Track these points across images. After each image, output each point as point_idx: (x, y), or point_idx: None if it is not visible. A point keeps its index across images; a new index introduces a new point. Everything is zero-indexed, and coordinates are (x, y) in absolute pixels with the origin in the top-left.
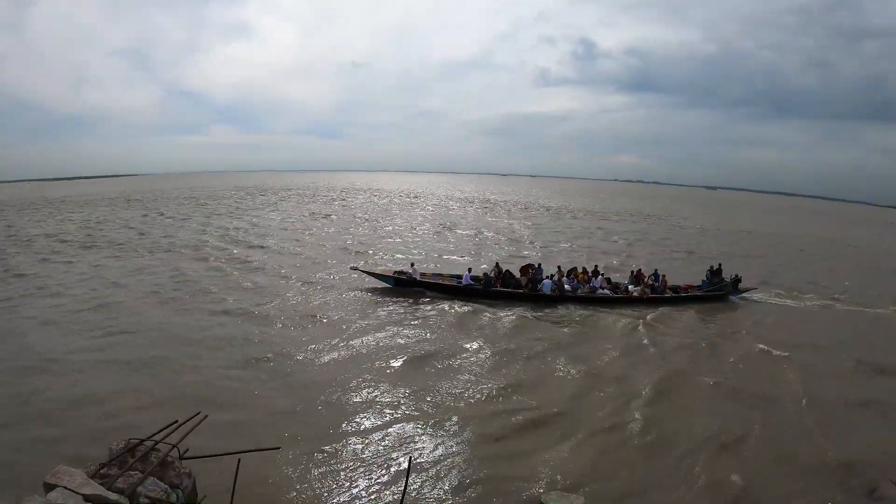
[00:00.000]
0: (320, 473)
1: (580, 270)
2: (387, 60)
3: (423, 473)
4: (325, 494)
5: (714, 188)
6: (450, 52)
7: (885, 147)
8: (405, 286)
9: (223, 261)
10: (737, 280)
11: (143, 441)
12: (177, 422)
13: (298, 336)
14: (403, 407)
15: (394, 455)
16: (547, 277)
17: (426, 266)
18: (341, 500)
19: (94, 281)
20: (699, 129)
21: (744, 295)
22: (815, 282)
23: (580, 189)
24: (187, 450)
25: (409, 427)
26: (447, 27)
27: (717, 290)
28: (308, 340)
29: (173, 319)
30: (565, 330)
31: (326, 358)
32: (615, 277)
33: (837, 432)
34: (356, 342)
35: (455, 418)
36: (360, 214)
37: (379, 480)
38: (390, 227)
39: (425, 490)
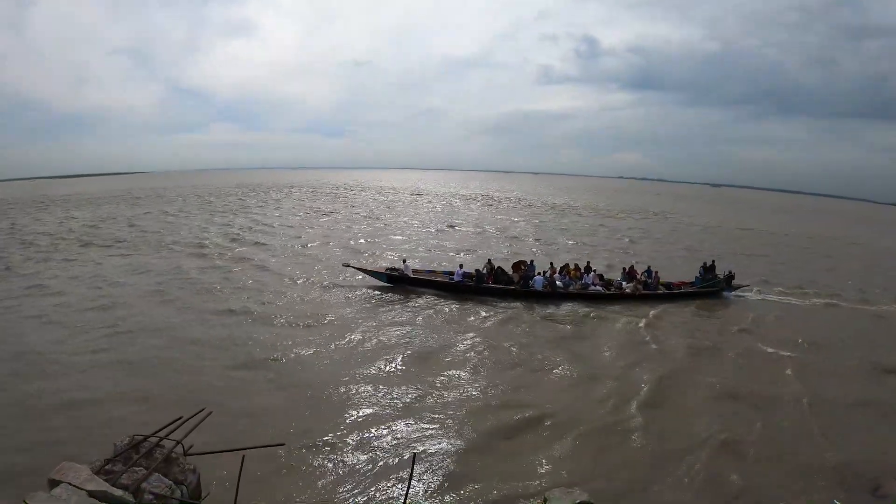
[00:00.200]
0: (324, 469)
1: (572, 267)
2: (388, 59)
3: (427, 469)
4: (330, 490)
5: (718, 185)
6: (451, 50)
7: (887, 146)
8: (397, 283)
9: (225, 259)
10: (730, 277)
11: (147, 437)
12: (181, 418)
13: (300, 334)
14: (405, 404)
15: (397, 451)
16: (538, 274)
17: (420, 262)
18: (345, 495)
19: (97, 279)
20: (702, 126)
21: (737, 292)
22: (815, 280)
23: (583, 186)
24: (192, 446)
25: (411, 423)
26: (448, 25)
27: (711, 286)
28: (309, 338)
29: (176, 318)
30: (557, 327)
31: (328, 356)
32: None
33: (838, 431)
34: (355, 340)
35: (456, 415)
36: (362, 212)
37: (383, 476)
38: (393, 225)
39: (429, 485)
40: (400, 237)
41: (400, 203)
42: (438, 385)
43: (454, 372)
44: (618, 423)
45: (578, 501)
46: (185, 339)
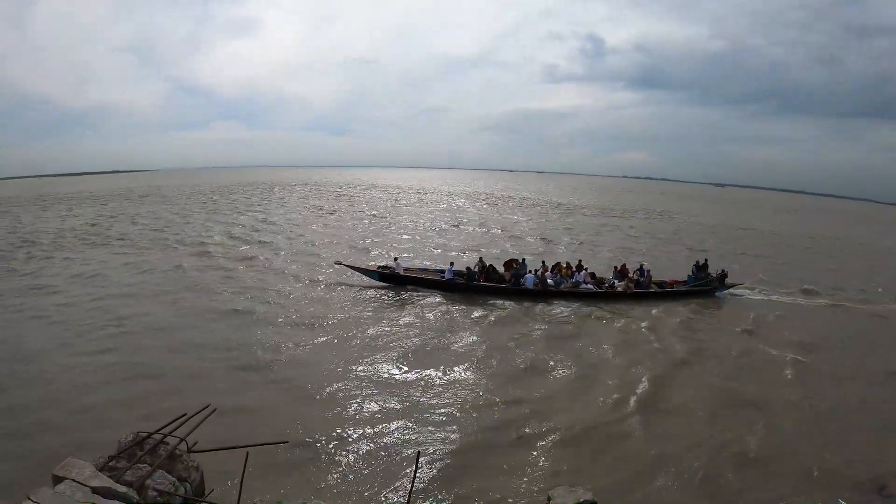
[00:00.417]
0: (328, 467)
1: (564, 265)
2: (390, 57)
3: (430, 467)
4: (333, 487)
5: (722, 185)
6: (454, 48)
7: (891, 145)
8: (389, 281)
9: (228, 258)
10: (723, 275)
11: (151, 434)
12: (185, 415)
13: (301, 333)
14: (406, 402)
15: (400, 449)
16: (530, 272)
17: (430, 262)
18: (349, 493)
19: (100, 278)
20: (706, 125)
21: (730, 290)
22: (815, 279)
23: (587, 186)
24: (195, 443)
25: (412, 421)
26: (451, 23)
27: (703, 285)
28: (310, 337)
29: (180, 317)
30: (548, 325)
31: (328, 354)
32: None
33: (841, 430)
34: (355, 339)
35: (458, 413)
36: (366, 211)
37: (386, 474)
38: (397, 224)
39: (433, 483)
40: (405, 236)
41: (403, 202)
42: (438, 384)
43: (451, 370)
44: (618, 423)
45: (582, 500)
46: (188, 338)
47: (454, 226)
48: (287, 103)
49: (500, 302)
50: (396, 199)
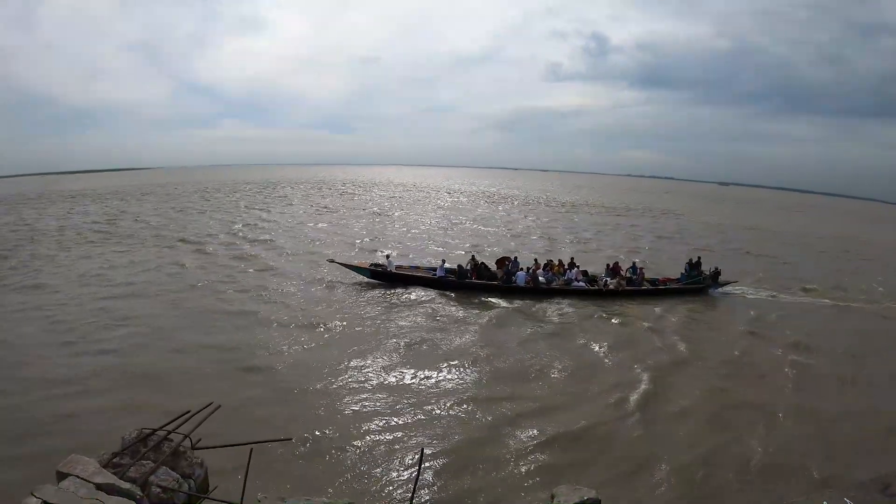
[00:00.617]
0: (331, 464)
1: (556, 263)
2: (396, 54)
3: (434, 465)
4: (337, 485)
5: (727, 184)
6: (459, 46)
7: None
8: (381, 279)
9: (233, 257)
10: (716, 273)
11: (155, 431)
12: (189, 412)
13: (303, 331)
14: (408, 400)
15: (404, 447)
16: (521, 270)
17: (435, 259)
18: (352, 490)
19: (105, 277)
20: (712, 124)
21: (724, 288)
22: (816, 278)
23: (593, 184)
24: (199, 440)
25: (415, 419)
26: (456, 21)
27: (696, 283)
28: (312, 336)
29: (184, 315)
30: (538, 322)
31: (330, 353)
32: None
33: (843, 429)
34: (354, 338)
35: (459, 411)
36: (369, 208)
37: (390, 471)
38: (400, 222)
39: (436, 480)
40: (409, 234)
41: (407, 200)
42: (436, 382)
43: (448, 369)
44: (618, 421)
45: (586, 498)
46: (191, 337)
47: (457, 224)
48: (293, 101)
49: (491, 300)
50: (400, 198)
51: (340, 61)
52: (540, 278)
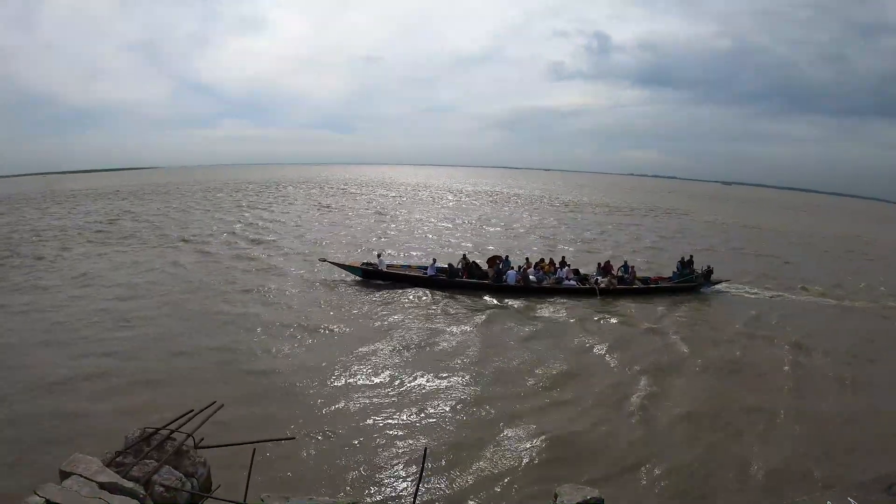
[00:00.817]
0: (334, 464)
1: (547, 261)
2: (397, 54)
3: (437, 464)
4: (340, 484)
5: (729, 183)
6: (461, 45)
7: None
8: (372, 277)
9: (233, 257)
10: (709, 272)
11: (158, 430)
12: (192, 411)
13: (303, 331)
14: (410, 399)
15: (406, 446)
16: (512, 268)
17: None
18: (355, 489)
19: (107, 277)
20: (714, 123)
21: (716, 287)
22: (813, 276)
23: (594, 183)
24: (202, 439)
25: (418, 418)
26: (457, 21)
27: (688, 281)
28: (313, 336)
29: (187, 315)
30: (528, 321)
31: (331, 353)
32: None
33: (844, 428)
34: (353, 337)
35: (460, 411)
36: (370, 208)
37: (393, 470)
38: (401, 222)
39: (439, 479)
40: (410, 235)
41: (408, 200)
42: (436, 381)
43: (447, 368)
44: (618, 421)
45: (589, 497)
46: (193, 337)
47: (458, 223)
48: (293, 101)
49: (482, 299)
50: (402, 197)
51: (341, 61)
52: (531, 277)
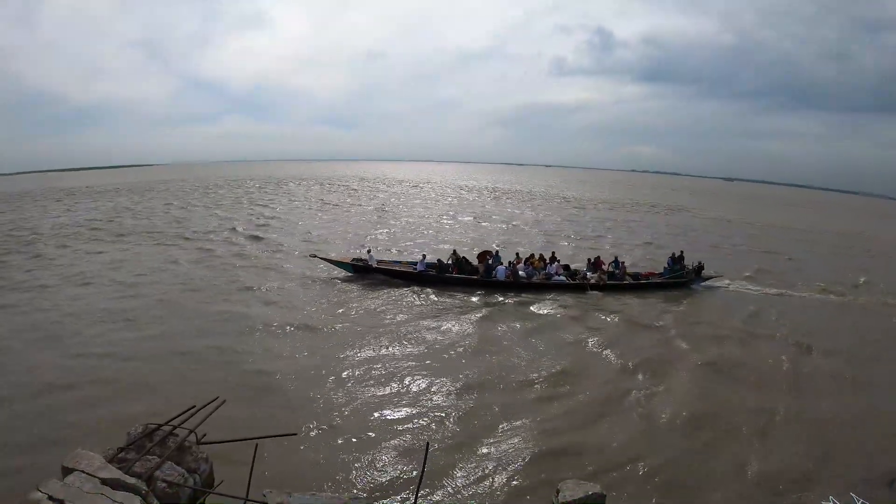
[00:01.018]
0: (337, 459)
1: (537, 257)
2: (400, 50)
3: (439, 458)
4: (341, 479)
5: (732, 179)
6: (464, 41)
7: None
8: (362, 273)
9: (234, 255)
10: (700, 267)
11: (161, 426)
12: (194, 407)
13: (306, 328)
14: (412, 393)
15: (408, 441)
16: (501, 264)
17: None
18: (357, 484)
19: (113, 272)
20: (716, 119)
21: (707, 282)
22: (817, 275)
23: (597, 180)
24: (205, 435)
25: (419, 413)
26: (460, 17)
27: (679, 277)
28: (314, 333)
29: (190, 312)
30: (521, 317)
31: (330, 349)
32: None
33: (846, 424)
34: (353, 334)
35: (460, 406)
36: (372, 205)
37: (395, 465)
38: (403, 218)
39: (441, 475)
40: (411, 232)
41: (410, 196)
42: (435, 377)
43: (443, 363)
44: (617, 417)
45: (591, 493)
46: (197, 334)
47: (460, 220)
48: (296, 97)
49: (471, 294)
50: (403, 194)
51: (342, 58)
52: (520, 273)
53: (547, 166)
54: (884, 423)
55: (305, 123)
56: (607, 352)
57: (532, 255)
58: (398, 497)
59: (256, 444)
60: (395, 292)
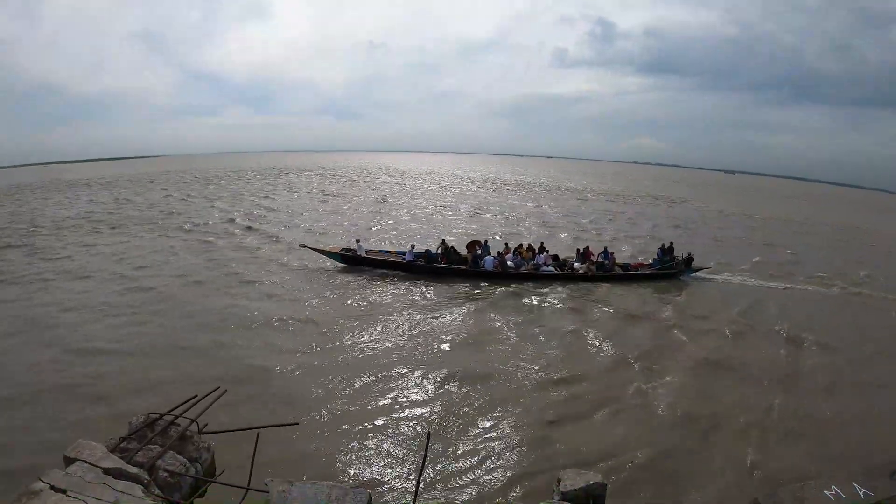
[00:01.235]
0: (337, 449)
1: (525, 247)
2: (402, 40)
3: (440, 448)
4: (343, 469)
5: (733, 172)
6: (466, 31)
7: None
8: (351, 263)
9: (236, 247)
10: (689, 259)
11: (162, 415)
12: (196, 396)
13: (307, 320)
14: (412, 383)
15: (410, 429)
16: (489, 254)
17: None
18: (358, 474)
19: (117, 264)
20: (719, 112)
21: (696, 273)
22: (815, 267)
23: (598, 171)
24: (206, 424)
25: (421, 402)
26: (463, 7)
27: (668, 268)
28: (314, 324)
29: (192, 302)
30: (509, 308)
31: (333, 341)
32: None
33: (847, 416)
34: (350, 325)
35: (459, 395)
36: (373, 196)
37: (397, 454)
38: (404, 209)
39: (442, 464)
40: (414, 224)
41: (411, 187)
42: (432, 366)
43: (439, 353)
44: (614, 409)
45: (592, 482)
46: (201, 324)
47: (462, 211)
48: (297, 88)
49: (458, 284)
50: (404, 185)
51: (346, 47)
52: (508, 263)
53: (548, 157)
54: (884, 416)
55: (306, 114)
56: (600, 342)
57: (521, 245)
58: (400, 485)
59: (258, 434)
60: (386, 283)
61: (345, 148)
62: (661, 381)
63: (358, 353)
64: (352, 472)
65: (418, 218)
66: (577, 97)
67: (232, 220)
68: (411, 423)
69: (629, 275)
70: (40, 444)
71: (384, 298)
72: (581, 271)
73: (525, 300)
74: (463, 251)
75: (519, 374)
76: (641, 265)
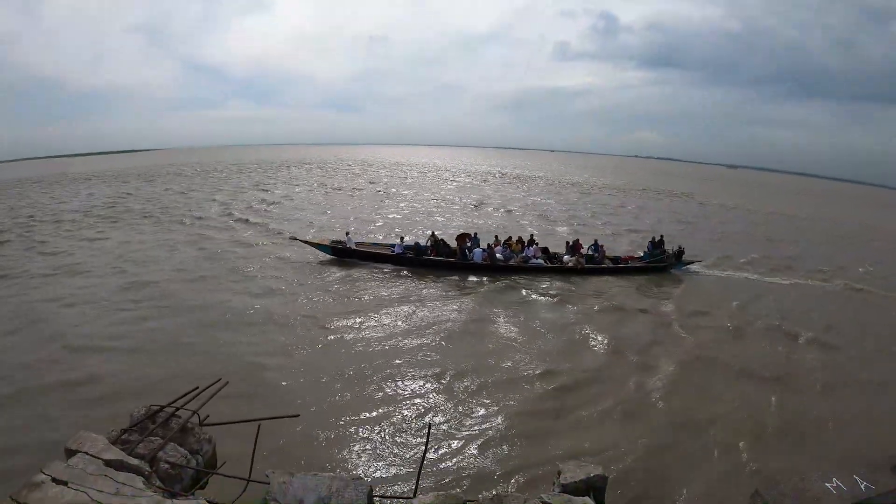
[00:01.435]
0: (338, 441)
1: (515, 240)
2: (404, 33)
3: (440, 440)
4: (343, 461)
5: (735, 167)
6: (468, 24)
7: None
8: (341, 255)
9: (237, 241)
10: (680, 252)
11: (163, 407)
12: (197, 388)
13: (308, 313)
14: (412, 376)
15: (410, 423)
16: (478, 247)
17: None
18: (359, 466)
19: (116, 259)
20: (721, 106)
21: (687, 267)
22: (813, 262)
23: (600, 165)
24: (207, 416)
25: (421, 394)
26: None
27: (659, 261)
28: (314, 318)
29: (194, 296)
30: (499, 301)
31: (333, 334)
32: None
33: (849, 411)
34: (350, 318)
35: (458, 388)
36: (372, 189)
37: (397, 447)
38: (404, 202)
39: (443, 457)
40: (416, 218)
41: (412, 181)
42: (429, 358)
43: (434, 346)
44: (611, 402)
45: (593, 475)
46: (203, 317)
47: (463, 204)
48: (298, 82)
49: (448, 276)
50: (405, 178)
51: (347, 40)
52: (497, 255)
53: (551, 151)
54: (885, 415)
55: (308, 107)
56: (595, 335)
57: (510, 238)
58: (401, 477)
59: (259, 426)
60: (379, 276)
61: (346, 141)
62: (658, 375)
63: (355, 346)
64: (353, 464)
65: (421, 211)
66: (578, 91)
67: (232, 214)
68: (410, 415)
69: (619, 268)
70: (42, 436)
71: (378, 292)
72: (570, 264)
73: (515, 293)
74: (453, 244)
75: (514, 367)
76: (632, 258)
